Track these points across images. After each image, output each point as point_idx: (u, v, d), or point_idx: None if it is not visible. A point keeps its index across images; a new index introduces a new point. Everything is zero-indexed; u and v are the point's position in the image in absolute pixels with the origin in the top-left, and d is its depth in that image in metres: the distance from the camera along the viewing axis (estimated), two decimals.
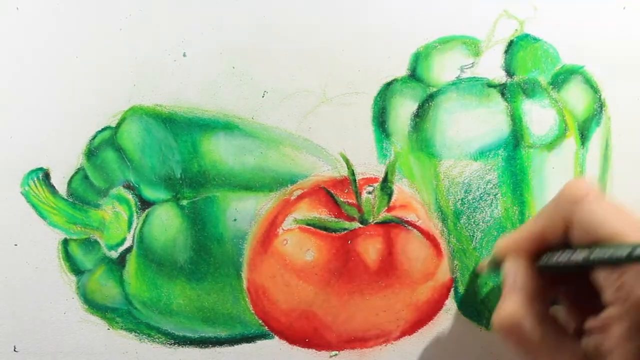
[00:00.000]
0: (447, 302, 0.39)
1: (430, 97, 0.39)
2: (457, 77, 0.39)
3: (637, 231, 0.25)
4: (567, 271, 0.29)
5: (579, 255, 0.26)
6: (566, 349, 0.27)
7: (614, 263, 0.24)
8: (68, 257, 0.38)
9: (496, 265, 0.32)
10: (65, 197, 0.38)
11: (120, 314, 0.38)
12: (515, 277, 0.29)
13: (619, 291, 0.24)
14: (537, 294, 0.28)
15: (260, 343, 0.38)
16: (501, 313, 0.28)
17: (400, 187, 0.38)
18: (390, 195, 0.38)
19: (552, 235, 0.28)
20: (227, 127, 0.38)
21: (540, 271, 0.29)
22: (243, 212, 0.38)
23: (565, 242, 0.28)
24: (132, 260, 0.38)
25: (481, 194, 0.38)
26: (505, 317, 0.28)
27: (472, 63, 0.39)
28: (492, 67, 0.39)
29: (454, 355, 0.39)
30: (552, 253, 0.29)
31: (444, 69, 0.39)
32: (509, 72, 0.39)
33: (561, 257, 0.28)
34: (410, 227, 0.38)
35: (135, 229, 0.38)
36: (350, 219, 0.38)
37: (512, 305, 0.28)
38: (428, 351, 0.39)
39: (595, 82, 0.39)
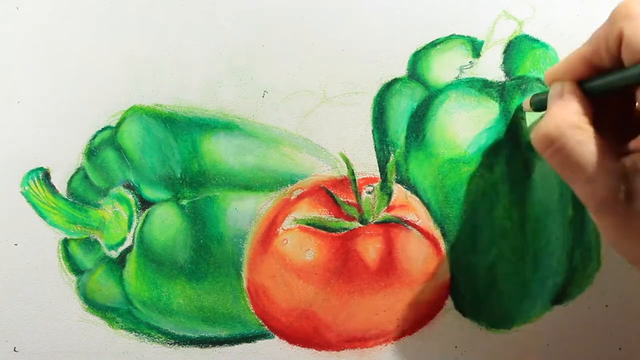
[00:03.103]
0: (447, 302, 0.39)
1: (430, 97, 0.39)
2: (456, 78, 0.39)
3: None
4: (613, 92, 0.29)
5: (624, 74, 0.27)
6: (605, 167, 0.26)
7: None
8: (68, 256, 0.38)
9: (539, 102, 0.33)
10: (65, 197, 0.38)
11: (121, 314, 0.38)
12: (561, 94, 0.29)
13: None
14: (582, 112, 0.28)
15: (260, 343, 0.38)
16: (546, 122, 0.28)
17: (400, 187, 0.38)
18: (390, 195, 0.38)
19: (600, 56, 0.28)
20: (227, 127, 0.38)
21: (586, 95, 0.29)
22: (243, 212, 0.38)
23: (612, 65, 0.28)
24: (132, 260, 0.38)
25: (481, 193, 0.38)
26: (551, 126, 0.28)
27: (471, 63, 0.39)
28: (491, 68, 0.39)
29: (454, 355, 0.39)
30: (599, 76, 0.29)
31: (443, 69, 0.39)
32: (508, 73, 0.39)
33: (608, 78, 0.28)
34: (410, 227, 0.38)
35: (135, 228, 0.38)
36: (350, 218, 0.38)
37: (557, 115, 0.28)
38: (428, 351, 0.39)
39: None
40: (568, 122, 0.28)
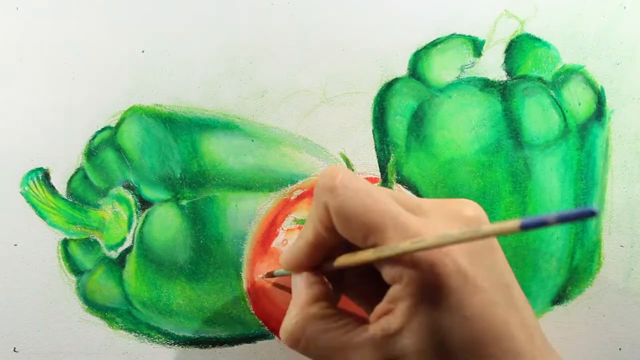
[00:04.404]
0: None
1: (431, 97, 0.38)
2: (457, 77, 0.39)
3: (394, 221, 0.24)
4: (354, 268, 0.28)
5: (358, 257, 0.26)
6: (359, 343, 0.25)
7: (390, 258, 0.24)
8: (68, 257, 0.38)
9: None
10: (65, 197, 0.38)
11: (120, 314, 0.38)
12: (298, 290, 0.28)
13: (397, 272, 0.24)
14: (322, 298, 0.28)
15: (260, 343, 0.38)
16: (288, 321, 0.27)
17: (401, 187, 0.38)
18: None
19: (323, 236, 0.27)
20: (227, 127, 0.38)
21: (328, 274, 0.29)
22: (243, 212, 0.38)
23: (338, 239, 0.27)
24: (132, 261, 0.38)
25: (481, 193, 0.38)
26: (292, 324, 0.27)
27: (473, 63, 0.39)
28: (492, 67, 0.39)
29: None
30: (331, 259, 0.28)
31: (444, 69, 0.39)
32: (510, 72, 0.39)
33: (339, 261, 0.27)
34: None
35: (135, 229, 0.38)
36: None
37: (295, 311, 0.27)
38: None
39: (596, 82, 0.39)
40: (308, 315, 0.27)
